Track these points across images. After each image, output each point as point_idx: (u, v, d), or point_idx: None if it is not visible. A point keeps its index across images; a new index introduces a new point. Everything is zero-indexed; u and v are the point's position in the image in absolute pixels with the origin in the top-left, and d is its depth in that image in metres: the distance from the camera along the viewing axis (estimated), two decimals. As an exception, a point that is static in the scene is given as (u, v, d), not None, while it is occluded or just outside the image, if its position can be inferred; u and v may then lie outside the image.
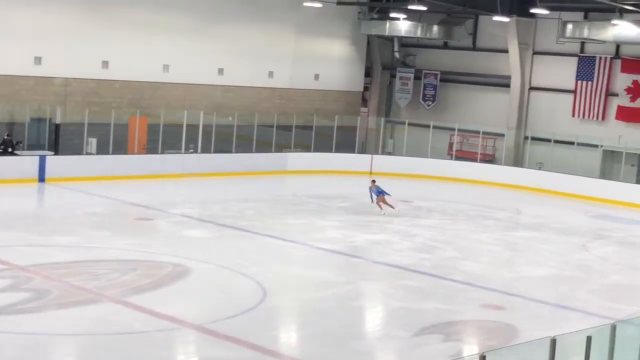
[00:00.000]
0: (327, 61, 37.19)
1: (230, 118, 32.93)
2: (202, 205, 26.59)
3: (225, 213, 24.55)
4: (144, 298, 15.33)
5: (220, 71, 33.61)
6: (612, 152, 33.29)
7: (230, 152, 32.55)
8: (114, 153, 29.66)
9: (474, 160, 35.48)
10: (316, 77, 36.72)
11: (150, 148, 31.09)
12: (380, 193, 25.33)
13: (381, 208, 25.31)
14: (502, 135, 35.66)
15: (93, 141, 29.51)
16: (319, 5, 32.83)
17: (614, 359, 8.84)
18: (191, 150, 31.64)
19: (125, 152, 30.47)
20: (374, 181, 25.95)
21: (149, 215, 23.54)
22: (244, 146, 32.89)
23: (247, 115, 33.45)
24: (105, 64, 30.44)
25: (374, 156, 35.51)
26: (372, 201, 25.44)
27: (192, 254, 18.86)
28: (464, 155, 36.19)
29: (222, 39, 33.41)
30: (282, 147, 34.36)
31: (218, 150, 32.13)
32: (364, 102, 40.18)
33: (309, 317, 15.30)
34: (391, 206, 25.35)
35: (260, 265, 18.43)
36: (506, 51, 35.48)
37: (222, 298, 15.95)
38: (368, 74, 39.82)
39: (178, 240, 20.58)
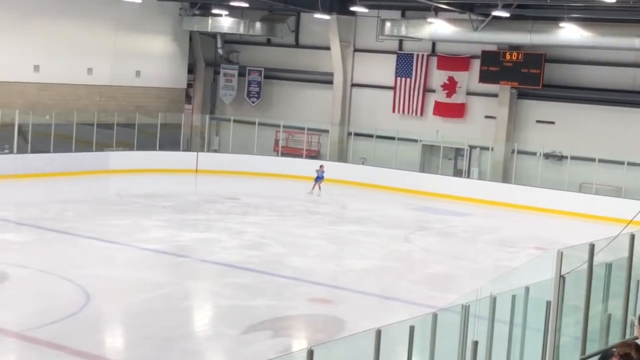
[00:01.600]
0: (148, 58, 36.48)
1: (47, 117, 31.70)
2: (20, 207, 25.49)
3: (44, 215, 23.60)
4: (-43, 307, 14.53)
5: (36, 68, 32.28)
6: (431, 146, 34.47)
7: (49, 152, 31.35)
8: None
9: (300, 156, 35.85)
10: (137, 73, 35.92)
11: (-38, 149, 29.52)
12: (321, 178, 30.70)
13: (317, 188, 30.57)
14: (327, 131, 36.20)
15: None
16: (138, 0, 32.20)
17: (435, 346, 9.09)
18: (6, 151, 30.26)
19: None
20: (322, 166, 31.21)
21: (-39, 220, 22.34)
22: (63, 145, 31.74)
23: (66, 113, 32.31)
24: None
25: (200, 154, 35.22)
26: (316, 183, 30.68)
27: (10, 259, 18.04)
28: (289, 152, 36.49)
29: (37, 35, 32.05)
30: (103, 146, 33.43)
31: (35, 150, 30.89)
32: (188, 99, 39.72)
33: (135, 320, 14.96)
34: (319, 189, 30.62)
35: (82, 268, 17.86)
36: (328, 48, 36.02)
37: (42, 303, 15.31)
38: (191, 70, 39.42)
39: (-6, 245, 19.63)
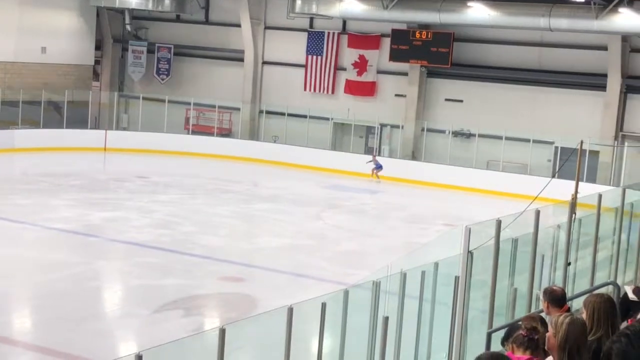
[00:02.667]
0: (54, 34, 35.53)
1: (-50, 94, 30.74)
2: None
3: (-54, 195, 22.94)
4: None
5: (-64, 43, 31.19)
6: (342, 124, 34.64)
7: (-49, 130, 30.44)
8: None
9: (211, 134, 35.58)
10: (43, 50, 34.99)
11: None
12: (380, 167, 30.93)
13: (377, 177, 30.82)
14: (238, 109, 36.00)
15: None
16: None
17: (347, 322, 9.19)
18: None
19: None
20: (375, 156, 31.42)
21: None
22: (-34, 124, 30.86)
23: (-31, 90, 31.37)
24: None
25: (108, 132, 34.61)
26: (373, 171, 30.92)
27: None
28: (200, 130, 36.17)
29: (-63, 8, 30.97)
30: (8, 124, 32.54)
31: (-63, 128, 29.92)
32: (96, 76, 38.94)
33: (44, 301, 14.67)
34: (378, 177, 30.91)
35: (-13, 249, 17.42)
36: (239, 25, 35.75)
37: (-55, 286, 14.92)
38: (99, 47, 38.60)
39: None
